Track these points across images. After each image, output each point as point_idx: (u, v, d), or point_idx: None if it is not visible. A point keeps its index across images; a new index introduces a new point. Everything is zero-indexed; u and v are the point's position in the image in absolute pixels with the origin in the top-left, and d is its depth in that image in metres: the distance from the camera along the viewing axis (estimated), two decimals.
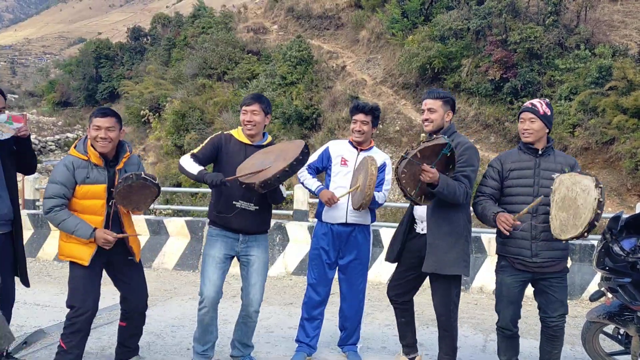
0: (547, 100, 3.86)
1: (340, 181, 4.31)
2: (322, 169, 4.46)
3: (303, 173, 4.41)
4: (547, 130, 3.74)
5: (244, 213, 3.98)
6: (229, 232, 4.04)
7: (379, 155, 4.39)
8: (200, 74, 37.76)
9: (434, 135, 3.66)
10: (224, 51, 37.74)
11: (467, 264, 3.88)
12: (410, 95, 30.35)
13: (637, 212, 4.17)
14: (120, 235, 3.78)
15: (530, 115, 3.71)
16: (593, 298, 4.15)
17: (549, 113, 3.72)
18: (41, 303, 6.07)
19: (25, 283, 4.10)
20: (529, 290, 3.89)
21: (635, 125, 21.17)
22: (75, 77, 55.35)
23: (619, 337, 4.25)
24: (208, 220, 4.20)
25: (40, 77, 68.65)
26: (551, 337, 3.80)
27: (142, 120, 38.51)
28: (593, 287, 6.32)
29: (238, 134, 4.11)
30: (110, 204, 3.77)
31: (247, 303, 4.12)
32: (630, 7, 29.81)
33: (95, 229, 3.69)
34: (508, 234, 3.55)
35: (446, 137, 3.58)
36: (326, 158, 4.43)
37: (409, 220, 4.08)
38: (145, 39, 55.21)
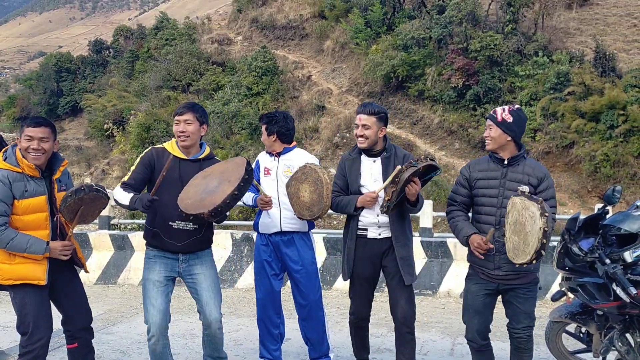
0: (517, 106, 3.74)
1: (268, 189, 4.21)
2: (257, 181, 4.29)
3: None
4: (509, 138, 3.63)
5: (181, 233, 3.71)
6: (167, 253, 3.78)
7: (306, 156, 4.33)
8: (165, 86, 37.42)
9: (427, 158, 3.68)
10: (188, 63, 37.48)
11: None
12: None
13: (594, 212, 4.28)
14: (70, 233, 3.56)
15: (489, 122, 3.70)
16: (554, 298, 4.22)
17: (509, 120, 3.61)
18: (2, 324, 5.90)
19: None
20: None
21: (593, 128, 21.80)
22: (35, 92, 54.17)
23: (581, 335, 4.33)
24: (145, 242, 3.92)
25: (0, 92, 66.96)
26: (518, 349, 3.75)
27: (106, 134, 37.89)
28: (556, 287, 6.45)
29: (172, 147, 3.81)
30: (55, 218, 3.54)
31: (207, 323, 3.87)
32: (585, 14, 30.78)
33: (48, 242, 3.47)
34: (482, 257, 3.58)
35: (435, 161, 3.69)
36: (257, 170, 4.34)
37: (355, 231, 3.98)
38: (107, 52, 54.38)
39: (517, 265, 3.41)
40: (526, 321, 3.68)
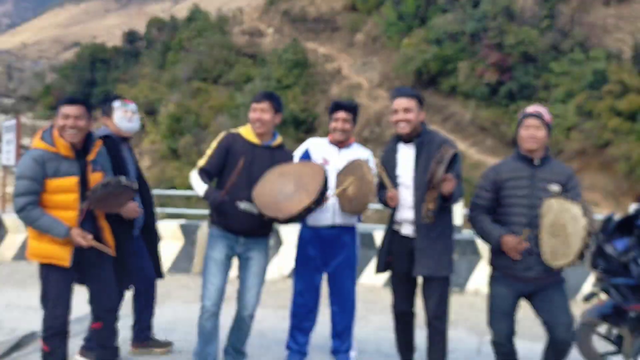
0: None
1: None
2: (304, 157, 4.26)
3: None
4: (548, 139, 3.61)
5: (246, 215, 3.80)
6: (229, 234, 3.91)
7: (362, 152, 4.27)
8: (196, 77, 37.86)
9: (443, 146, 3.52)
10: (219, 54, 37.84)
11: (452, 263, 3.82)
12: None
13: (629, 213, 4.19)
14: (96, 244, 3.61)
15: (537, 122, 3.54)
16: (586, 299, 4.15)
17: (551, 122, 3.60)
18: (34, 306, 5.97)
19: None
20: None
21: (630, 128, 21.31)
22: (70, 81, 55.32)
23: (612, 337, 4.25)
24: (210, 219, 4.04)
25: (36, 82, 68.51)
26: (558, 351, 3.56)
27: None
28: (587, 288, 6.33)
29: (247, 132, 3.94)
30: (82, 207, 3.59)
31: (242, 306, 3.99)
32: (624, 11, 30.00)
33: (70, 228, 3.53)
34: (519, 257, 3.48)
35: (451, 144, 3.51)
36: (307, 157, 4.25)
37: (391, 224, 3.92)
38: (140, 43, 55.20)
39: (554, 269, 3.37)
40: (565, 317, 3.51)
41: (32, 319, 5.50)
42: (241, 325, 4.05)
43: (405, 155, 3.82)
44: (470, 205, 3.76)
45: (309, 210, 3.57)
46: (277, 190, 3.68)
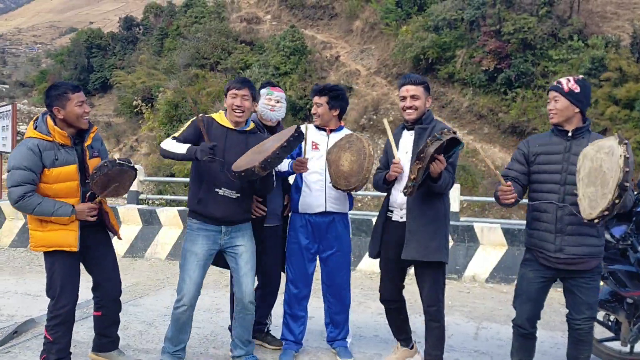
0: (581, 76, 3.52)
1: (314, 166, 4.12)
2: (296, 155, 4.18)
3: None
4: (577, 110, 3.40)
5: (226, 201, 3.75)
6: (210, 225, 3.80)
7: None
8: (193, 64, 37.60)
9: (450, 131, 3.43)
10: (216, 41, 37.56)
11: (447, 251, 3.76)
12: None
13: None
14: (99, 198, 3.60)
15: (554, 94, 3.43)
16: None
17: (576, 90, 3.39)
18: (32, 293, 6.04)
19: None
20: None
21: (627, 116, 21.30)
22: (66, 67, 54.87)
23: (609, 323, 4.27)
24: (188, 212, 3.92)
25: (32, 67, 68.04)
26: (576, 341, 3.53)
27: (135, 111, 38.31)
28: None
29: (220, 118, 3.87)
30: (87, 195, 3.59)
31: (241, 295, 3.90)
32: None
33: (74, 205, 3.51)
34: (511, 201, 3.38)
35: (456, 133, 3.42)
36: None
37: (385, 210, 3.89)
38: (137, 29, 54.74)
39: (595, 220, 3.04)
40: (587, 312, 3.45)
41: (30, 306, 5.52)
42: (245, 315, 3.96)
43: (406, 141, 3.81)
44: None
45: (283, 149, 3.45)
46: (254, 152, 3.65)
